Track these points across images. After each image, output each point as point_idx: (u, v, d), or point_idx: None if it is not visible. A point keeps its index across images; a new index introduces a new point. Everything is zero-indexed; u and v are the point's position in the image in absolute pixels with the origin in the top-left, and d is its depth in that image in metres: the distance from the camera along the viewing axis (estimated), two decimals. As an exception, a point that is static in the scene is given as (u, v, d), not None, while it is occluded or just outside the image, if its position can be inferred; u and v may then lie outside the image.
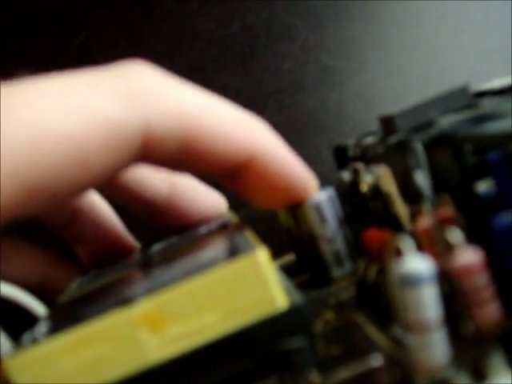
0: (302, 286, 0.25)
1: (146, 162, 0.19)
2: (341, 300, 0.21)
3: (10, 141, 0.16)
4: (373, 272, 0.19)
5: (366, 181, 0.23)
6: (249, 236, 0.19)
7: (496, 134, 0.16)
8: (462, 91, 0.21)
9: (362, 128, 0.41)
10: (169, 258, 0.20)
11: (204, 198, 0.27)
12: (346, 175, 0.27)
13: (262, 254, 0.16)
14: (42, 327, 0.17)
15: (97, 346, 0.16)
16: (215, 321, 0.16)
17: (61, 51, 0.38)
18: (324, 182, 0.42)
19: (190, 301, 0.16)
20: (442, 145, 0.18)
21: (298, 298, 0.17)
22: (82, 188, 0.18)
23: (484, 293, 0.15)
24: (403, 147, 0.20)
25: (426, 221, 0.17)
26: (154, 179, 0.25)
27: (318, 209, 0.23)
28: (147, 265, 0.21)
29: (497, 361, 0.14)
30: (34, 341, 0.16)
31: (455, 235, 0.16)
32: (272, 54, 0.40)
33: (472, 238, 0.16)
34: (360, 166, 0.25)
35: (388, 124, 0.22)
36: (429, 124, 0.21)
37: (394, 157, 0.21)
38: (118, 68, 0.19)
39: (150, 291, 0.16)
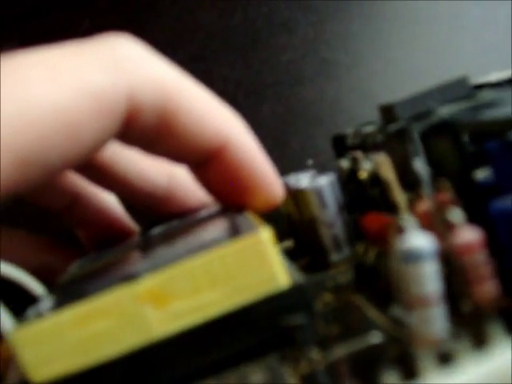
0: (301, 270, 0.25)
1: (128, 138, 0.19)
2: (339, 283, 0.21)
3: (1, 118, 0.15)
4: (372, 255, 0.19)
5: (365, 168, 0.23)
6: (250, 217, 0.19)
7: (494, 121, 0.16)
8: (461, 82, 0.21)
9: (358, 119, 0.41)
10: (170, 237, 0.20)
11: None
12: (345, 163, 0.27)
13: (265, 234, 0.16)
14: (46, 303, 0.17)
15: (101, 321, 0.16)
16: (218, 298, 0.16)
17: (64, 40, 0.38)
18: (321, 171, 0.42)
19: (193, 278, 0.16)
20: (441, 132, 0.18)
21: (299, 277, 0.16)
22: (73, 159, 0.17)
23: (482, 270, 0.15)
24: (402, 135, 0.20)
25: (425, 204, 0.17)
26: (153, 172, 0.25)
27: (319, 193, 0.23)
28: (148, 245, 0.21)
29: (496, 332, 0.14)
30: (39, 315, 0.16)
31: (456, 215, 0.16)
32: (272, 46, 0.40)
33: (470, 220, 0.16)
34: (359, 154, 0.25)
35: (388, 112, 0.22)
36: (428, 113, 0.21)
37: (393, 144, 0.21)
38: (103, 40, 0.19)
39: (154, 268, 0.16)
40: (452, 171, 0.18)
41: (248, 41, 0.40)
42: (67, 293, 0.18)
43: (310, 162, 0.40)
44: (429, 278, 0.15)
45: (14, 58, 0.17)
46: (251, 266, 0.16)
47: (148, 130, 0.19)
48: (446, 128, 0.17)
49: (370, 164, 0.23)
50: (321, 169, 0.42)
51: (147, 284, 0.16)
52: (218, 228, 0.19)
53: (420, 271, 0.15)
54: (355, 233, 0.23)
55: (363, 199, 0.26)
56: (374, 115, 0.41)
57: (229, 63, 0.40)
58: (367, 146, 0.24)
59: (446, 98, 0.21)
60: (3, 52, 0.17)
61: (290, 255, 0.28)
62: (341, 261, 0.23)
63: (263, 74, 0.40)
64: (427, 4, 0.40)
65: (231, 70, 0.40)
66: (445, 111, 0.20)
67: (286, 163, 0.42)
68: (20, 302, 0.28)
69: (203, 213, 0.24)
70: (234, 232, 0.17)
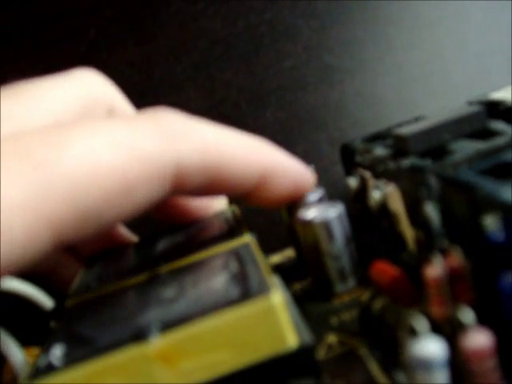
0: (304, 294, 0.24)
1: (179, 194, 0.21)
2: (343, 320, 0.21)
3: (68, 173, 0.17)
4: (378, 305, 0.18)
5: (374, 198, 0.22)
6: (257, 258, 0.19)
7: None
8: (477, 115, 0.20)
9: (361, 124, 0.41)
10: (176, 273, 0.20)
11: None
12: (353, 182, 0.26)
13: (276, 298, 0.15)
14: (56, 351, 0.17)
15: (112, 379, 0.15)
16: (228, 357, 0.15)
17: (70, 49, 0.37)
18: (324, 175, 0.41)
19: (204, 339, 0.15)
20: (461, 192, 0.17)
21: (307, 336, 0.16)
22: (125, 215, 0.19)
23: (492, 377, 0.14)
24: (416, 176, 0.19)
25: (435, 270, 0.16)
26: None
27: (326, 227, 0.22)
28: (154, 275, 0.20)
29: None
30: (50, 368, 0.16)
31: (467, 315, 0.15)
32: (275, 52, 0.39)
33: (479, 295, 0.15)
34: (367, 174, 0.24)
35: (400, 143, 0.21)
36: (442, 150, 0.20)
37: (405, 181, 0.20)
38: (150, 113, 0.20)
39: (165, 325, 0.15)
40: (464, 232, 0.16)
41: (251, 47, 0.39)
42: (77, 341, 0.17)
43: (312, 166, 0.39)
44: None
45: (79, 127, 0.19)
46: (262, 328, 0.15)
47: (197, 186, 0.20)
48: (467, 192, 0.16)
49: (379, 193, 0.22)
50: (323, 173, 0.41)
51: (159, 345, 0.15)
52: (225, 272, 0.18)
53: (429, 380, 0.14)
54: (362, 263, 0.22)
55: (370, 222, 0.25)
56: (377, 120, 0.40)
57: (232, 69, 0.39)
58: (378, 171, 0.23)
59: (460, 132, 0.20)
60: None
61: (292, 267, 0.27)
62: (345, 292, 0.22)
63: (266, 80, 0.39)
64: (431, 8, 0.39)
65: (234, 77, 0.39)
66: (461, 155, 0.19)
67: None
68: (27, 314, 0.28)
69: (206, 230, 0.24)
70: (244, 291, 0.16)
